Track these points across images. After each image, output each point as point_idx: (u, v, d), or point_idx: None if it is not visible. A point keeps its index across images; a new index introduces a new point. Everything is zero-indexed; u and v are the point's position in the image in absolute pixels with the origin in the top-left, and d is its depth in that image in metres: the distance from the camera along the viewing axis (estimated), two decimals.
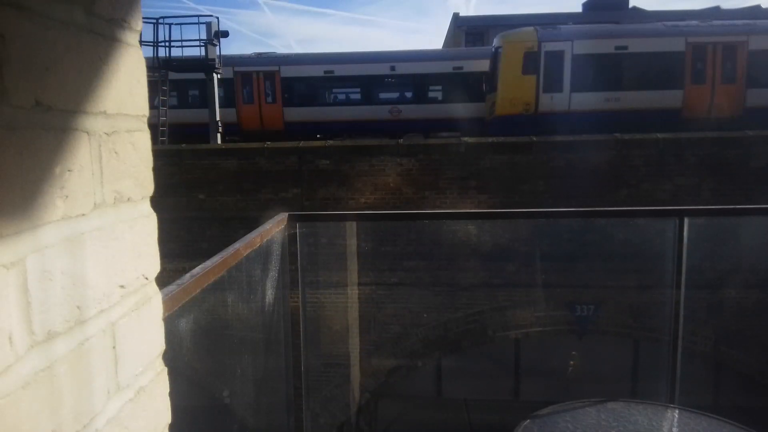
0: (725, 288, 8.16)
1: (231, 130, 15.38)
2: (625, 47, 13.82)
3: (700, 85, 13.81)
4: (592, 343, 8.65)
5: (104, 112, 0.70)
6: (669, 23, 14.72)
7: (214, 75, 13.69)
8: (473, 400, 9.07)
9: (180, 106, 16.03)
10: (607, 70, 13.90)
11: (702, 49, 13.77)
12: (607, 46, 13.82)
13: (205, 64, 13.49)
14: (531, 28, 14.21)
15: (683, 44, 13.78)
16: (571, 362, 8.48)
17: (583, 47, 13.78)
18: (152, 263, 0.83)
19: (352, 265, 8.29)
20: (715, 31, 13.98)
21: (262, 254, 2.60)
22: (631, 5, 20.21)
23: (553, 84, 13.74)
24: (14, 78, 0.54)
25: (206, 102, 14.22)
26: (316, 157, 9.16)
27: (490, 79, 14.93)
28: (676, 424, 2.55)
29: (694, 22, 14.63)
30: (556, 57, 13.72)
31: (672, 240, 3.04)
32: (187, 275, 1.75)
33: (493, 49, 14.68)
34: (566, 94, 13.80)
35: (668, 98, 13.74)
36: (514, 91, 13.71)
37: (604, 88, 13.82)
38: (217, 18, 13.79)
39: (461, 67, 16.11)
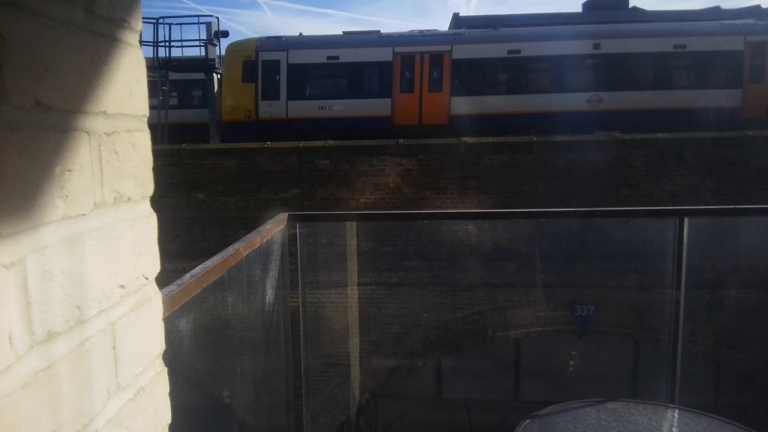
0: (725, 288, 8.16)
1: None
2: (337, 57, 14.17)
3: (408, 94, 14.10)
4: (592, 343, 8.65)
5: (104, 112, 0.70)
6: (384, 34, 15.00)
7: (214, 75, 13.70)
8: (473, 400, 9.07)
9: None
10: (320, 79, 14.32)
11: (410, 59, 14.07)
12: (319, 56, 14.15)
13: (205, 64, 13.49)
14: (255, 38, 14.46)
15: (390, 54, 14.08)
16: (571, 362, 8.48)
17: (297, 57, 14.13)
18: (152, 263, 0.83)
19: (352, 265, 8.29)
20: (423, 41, 14.30)
21: (262, 254, 2.60)
22: (630, 5, 20.21)
23: (270, 92, 14.05)
24: (14, 78, 0.54)
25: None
26: (316, 157, 9.16)
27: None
28: (676, 424, 2.55)
29: (414, 32, 14.88)
30: (273, 66, 14.03)
31: (672, 240, 3.04)
32: (187, 275, 1.75)
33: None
34: (283, 102, 14.14)
35: (379, 106, 14.05)
36: (236, 98, 13.96)
37: (319, 96, 14.19)
38: (217, 18, 13.85)
39: None
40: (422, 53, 14.08)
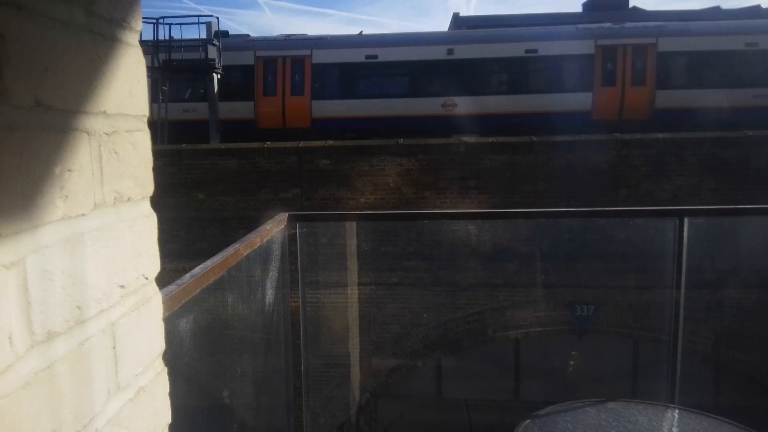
0: (725, 288, 8.16)
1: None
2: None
3: (271, 97, 14.51)
4: (592, 343, 8.64)
5: (104, 112, 0.70)
6: (251, 38, 15.30)
7: (214, 75, 13.71)
8: (473, 400, 9.07)
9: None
10: (184, 82, 14.47)
11: (272, 63, 14.48)
12: None
13: (205, 64, 13.49)
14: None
15: (252, 58, 14.57)
16: (571, 362, 8.48)
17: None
18: (152, 263, 0.83)
19: (352, 265, 8.29)
20: (285, 45, 14.66)
21: (262, 254, 2.60)
22: (631, 5, 20.24)
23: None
24: (14, 78, 0.54)
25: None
26: (316, 157, 9.16)
27: None
28: (676, 424, 2.55)
29: (280, 36, 15.36)
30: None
31: (672, 240, 3.03)
32: (187, 275, 1.75)
33: None
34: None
35: (243, 109, 14.49)
36: None
37: (183, 99, 14.43)
38: (217, 18, 13.85)
39: None
40: (284, 57, 14.37)
